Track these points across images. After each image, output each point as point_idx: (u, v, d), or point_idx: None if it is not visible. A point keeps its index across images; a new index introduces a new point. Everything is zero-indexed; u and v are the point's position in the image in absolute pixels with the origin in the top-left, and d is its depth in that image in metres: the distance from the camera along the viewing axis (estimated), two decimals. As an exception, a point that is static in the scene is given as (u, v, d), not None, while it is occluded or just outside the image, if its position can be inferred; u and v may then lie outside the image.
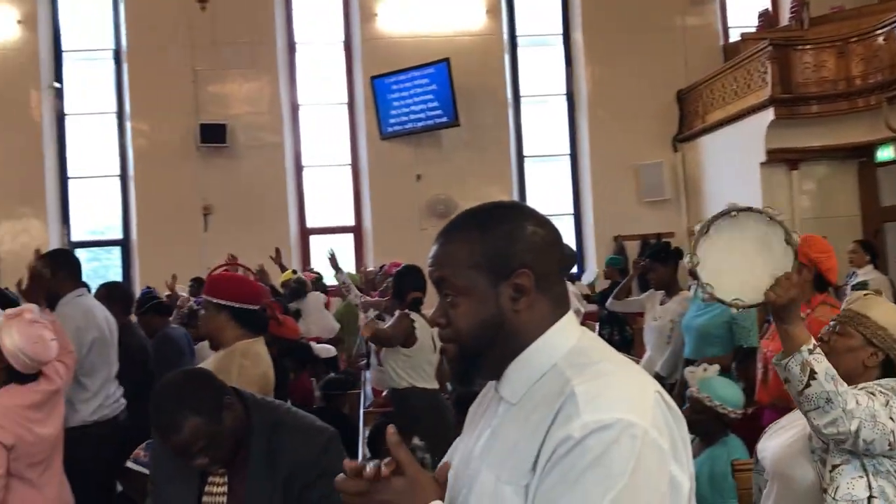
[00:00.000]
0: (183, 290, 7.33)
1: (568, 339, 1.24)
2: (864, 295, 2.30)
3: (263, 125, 10.75)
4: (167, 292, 7.10)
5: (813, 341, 2.05)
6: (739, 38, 10.73)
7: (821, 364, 2.01)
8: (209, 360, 3.04)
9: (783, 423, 2.40)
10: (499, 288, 1.22)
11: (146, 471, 2.82)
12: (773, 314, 2.08)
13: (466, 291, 1.24)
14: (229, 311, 2.94)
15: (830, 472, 2.07)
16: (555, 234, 1.29)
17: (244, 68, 10.66)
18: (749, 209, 2.02)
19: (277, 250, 8.25)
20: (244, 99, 10.73)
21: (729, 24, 11.54)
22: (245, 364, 2.85)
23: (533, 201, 11.27)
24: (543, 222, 1.28)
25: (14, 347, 2.76)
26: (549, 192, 11.49)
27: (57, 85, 10.75)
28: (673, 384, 4.60)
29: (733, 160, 9.47)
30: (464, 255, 1.24)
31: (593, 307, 8.76)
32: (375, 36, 10.88)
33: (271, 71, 10.82)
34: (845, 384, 2.02)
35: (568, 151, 11.54)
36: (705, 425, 3.23)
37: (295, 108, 11.21)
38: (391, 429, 1.18)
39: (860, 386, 2.10)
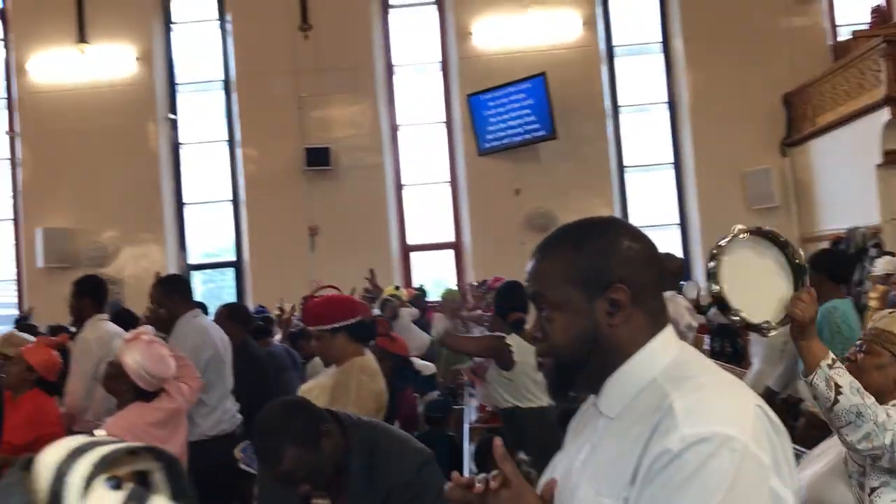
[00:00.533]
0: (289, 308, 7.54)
1: (667, 353, 1.24)
2: (890, 313, 2.28)
3: (365, 147, 11.01)
4: (277, 311, 7.34)
5: (831, 355, 2.04)
6: (851, 37, 10.25)
7: (843, 377, 2.00)
8: (327, 375, 3.11)
9: (817, 452, 2.34)
10: (594, 303, 1.23)
11: (253, 470, 2.92)
12: (794, 331, 2.06)
13: (562, 306, 1.25)
14: (343, 331, 3.01)
15: (869, 495, 2.02)
16: (650, 248, 1.28)
17: (346, 93, 10.97)
18: (757, 231, 2.02)
19: (372, 271, 8.42)
20: (346, 122, 11.04)
21: (837, 23, 11.06)
22: (363, 379, 2.92)
23: (635, 212, 11.10)
24: (639, 237, 1.29)
25: (136, 366, 2.93)
26: (652, 202, 11.28)
27: (172, 116, 11.38)
28: (785, 399, 4.42)
29: (847, 163, 9.04)
30: (559, 270, 1.26)
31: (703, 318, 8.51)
32: (471, 54, 10.99)
33: (371, 94, 11.09)
34: (872, 397, 2.01)
35: (671, 160, 11.29)
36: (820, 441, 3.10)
37: (394, 129, 11.45)
38: (497, 441, 1.21)
39: (891, 403, 2.07)
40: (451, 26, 11.20)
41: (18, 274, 11.41)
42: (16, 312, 10.50)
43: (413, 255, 11.43)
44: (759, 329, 2.01)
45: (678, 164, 11.24)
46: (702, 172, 10.80)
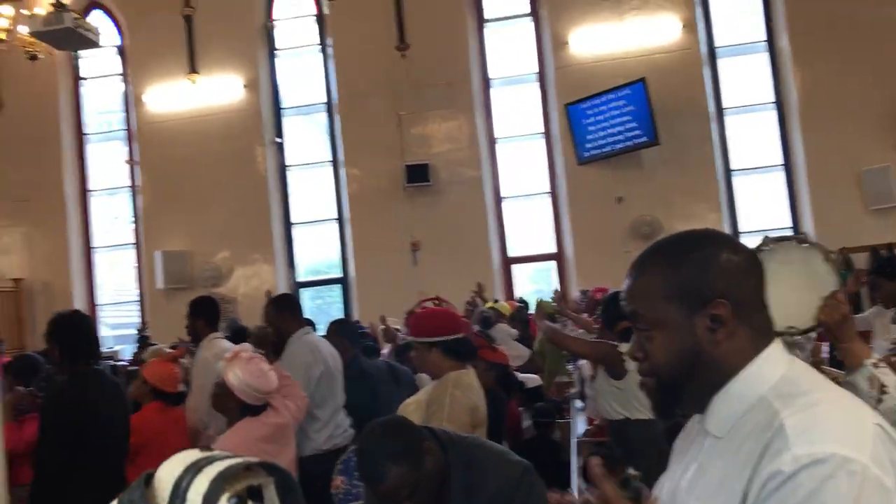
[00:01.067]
0: (396, 324, 7.65)
1: (775, 369, 1.18)
2: None
3: (463, 161, 11.09)
4: (382, 326, 7.46)
5: (876, 355, 1.99)
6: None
7: (889, 377, 1.95)
8: (424, 390, 3.15)
9: None
10: (694, 319, 1.19)
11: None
12: (829, 335, 2.03)
13: (661, 324, 1.22)
14: (438, 346, 3.03)
15: None
16: (752, 259, 1.24)
17: (443, 108, 11.09)
18: (781, 239, 2.02)
19: (480, 285, 8.46)
20: (444, 138, 11.15)
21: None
22: (456, 394, 2.92)
23: (744, 217, 10.73)
24: (739, 248, 1.24)
25: (240, 383, 3.03)
26: (762, 206, 10.86)
27: (278, 140, 11.79)
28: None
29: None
30: (656, 287, 1.23)
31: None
32: (568, 63, 10.92)
33: (468, 109, 11.17)
34: None
35: (781, 162, 10.85)
36: None
37: (492, 142, 11.48)
38: (594, 461, 1.19)
39: None
40: (546, 37, 11.17)
41: (140, 295, 12.05)
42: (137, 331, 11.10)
43: (514, 268, 11.41)
44: (782, 335, 1.97)
45: (788, 166, 10.78)
46: (814, 173, 10.32)
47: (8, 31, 8.60)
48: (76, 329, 3.49)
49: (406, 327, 5.01)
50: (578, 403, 6.15)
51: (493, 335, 7.08)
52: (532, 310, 8.77)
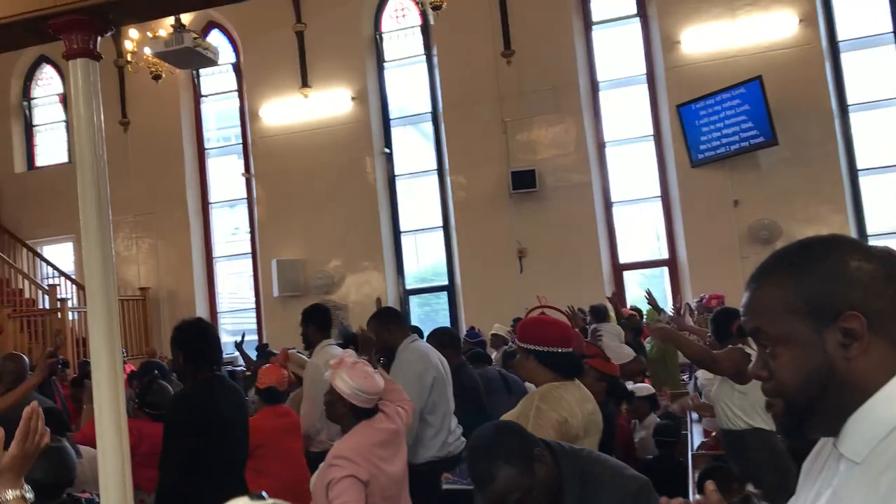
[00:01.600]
0: (501, 330, 7.63)
1: None
2: None
3: (570, 166, 10.96)
4: (493, 332, 7.46)
5: None
6: None
7: None
8: (519, 403, 3.10)
9: None
10: (824, 334, 1.10)
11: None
12: None
13: (785, 340, 1.13)
14: (534, 355, 2.98)
15: None
16: (886, 266, 1.11)
17: (549, 113, 11.00)
18: None
19: (615, 293, 8.35)
20: (550, 143, 11.06)
21: None
22: (542, 408, 2.85)
23: (872, 219, 10.13)
24: (871, 255, 1.12)
25: (348, 387, 3.07)
26: (891, 207, 10.21)
27: (387, 150, 12.00)
28: None
29: None
30: (778, 300, 1.13)
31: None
32: (679, 63, 10.62)
33: (575, 113, 11.03)
34: None
35: (912, 160, 10.18)
36: None
37: (601, 146, 11.29)
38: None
39: None
40: (656, 37, 10.90)
41: (257, 302, 12.50)
42: (256, 338, 11.52)
43: (626, 274, 11.17)
44: None
45: (922, 164, 10.11)
46: (952, 171, 9.64)
47: (134, 52, 9.13)
48: (200, 336, 3.64)
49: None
50: (695, 415, 5.95)
51: (602, 333, 6.96)
52: (646, 319, 8.59)
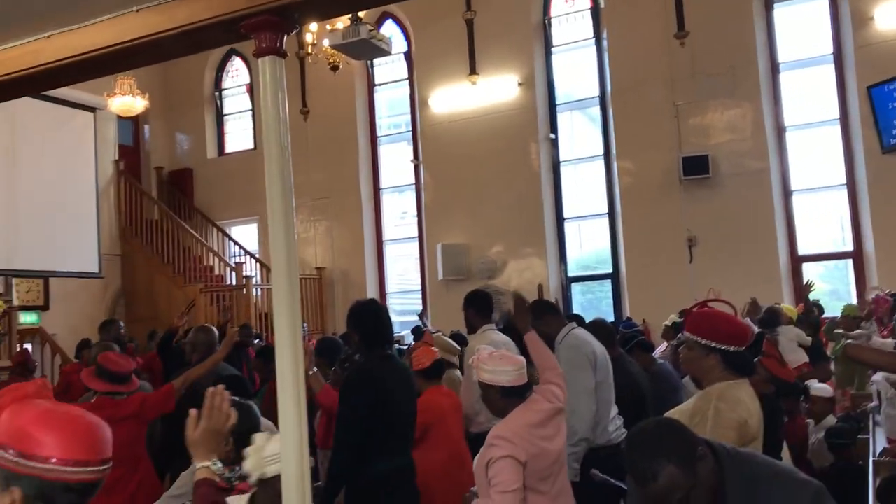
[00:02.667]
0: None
1: None
2: None
3: (747, 152, 10.45)
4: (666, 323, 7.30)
5: None
6: None
7: None
8: (689, 400, 3.03)
9: None
10: None
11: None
12: None
13: None
14: (716, 353, 2.88)
15: None
16: None
17: (724, 97, 10.53)
18: None
19: (807, 283, 7.95)
20: (725, 127, 10.58)
21: None
22: (721, 407, 2.76)
23: None
24: None
25: (492, 374, 3.15)
26: None
27: (552, 136, 11.95)
28: None
29: None
30: None
31: None
32: (871, 42, 9.82)
33: (753, 96, 10.49)
34: None
35: None
36: None
37: (780, 130, 10.67)
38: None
39: None
40: (846, 14, 10.13)
41: (423, 285, 12.88)
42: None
43: (805, 266, 10.52)
44: None
45: None
46: None
47: (313, 45, 9.63)
48: (374, 316, 3.83)
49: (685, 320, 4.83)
50: (878, 418, 5.56)
51: (777, 338, 6.60)
52: (827, 313, 8.10)
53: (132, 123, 13.90)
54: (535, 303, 4.53)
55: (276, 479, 2.44)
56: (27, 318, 11.05)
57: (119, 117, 12.39)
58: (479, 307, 5.01)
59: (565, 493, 3.27)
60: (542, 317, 4.32)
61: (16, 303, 10.50)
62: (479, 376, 3.22)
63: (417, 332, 8.23)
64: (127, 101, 10.84)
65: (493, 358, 3.19)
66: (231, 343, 5.17)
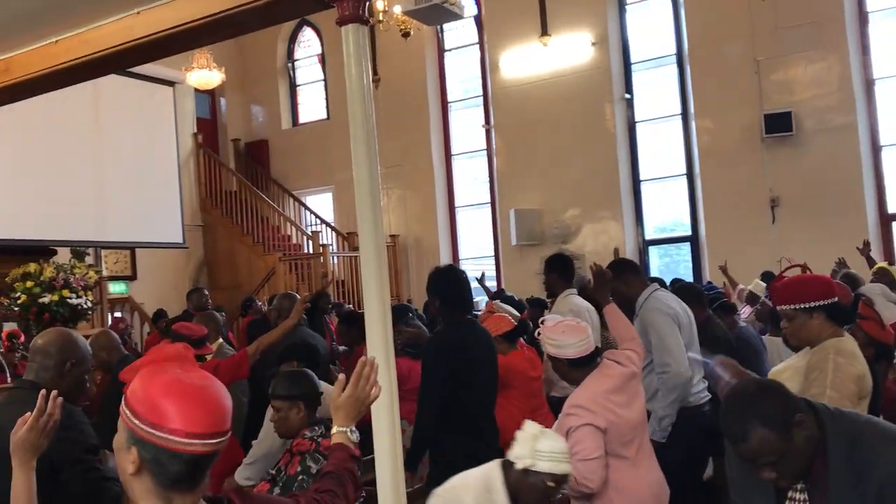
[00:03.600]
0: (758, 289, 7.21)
1: None
2: None
3: (832, 107, 10.02)
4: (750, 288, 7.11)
5: None
6: None
7: None
8: (798, 357, 2.96)
9: None
10: None
11: None
12: None
13: None
14: (821, 310, 2.84)
15: None
16: None
17: (808, 50, 10.09)
18: None
19: (866, 242, 7.62)
20: (809, 82, 10.16)
21: None
22: (840, 361, 2.73)
23: None
24: None
25: (558, 346, 3.16)
26: None
27: (627, 96, 11.69)
28: None
29: None
30: None
31: None
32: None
33: (840, 48, 10.01)
34: None
35: None
36: None
37: (869, 83, 10.18)
38: None
39: None
40: (941, -45, 9.56)
41: (496, 251, 12.87)
42: (495, 285, 11.90)
43: (895, 225, 10.08)
44: None
45: None
46: None
47: (384, 12, 9.60)
48: (454, 282, 3.86)
49: (771, 293, 4.69)
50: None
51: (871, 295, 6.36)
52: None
53: (209, 97, 14.19)
54: (617, 262, 4.47)
55: (542, 475, 2.64)
56: (116, 288, 11.52)
57: (196, 91, 12.66)
58: (560, 271, 4.99)
59: (648, 456, 3.26)
60: (622, 276, 4.26)
61: (105, 273, 10.94)
62: (546, 349, 3.25)
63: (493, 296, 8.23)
64: (204, 74, 11.06)
65: (557, 330, 3.20)
66: (301, 310, 5.26)
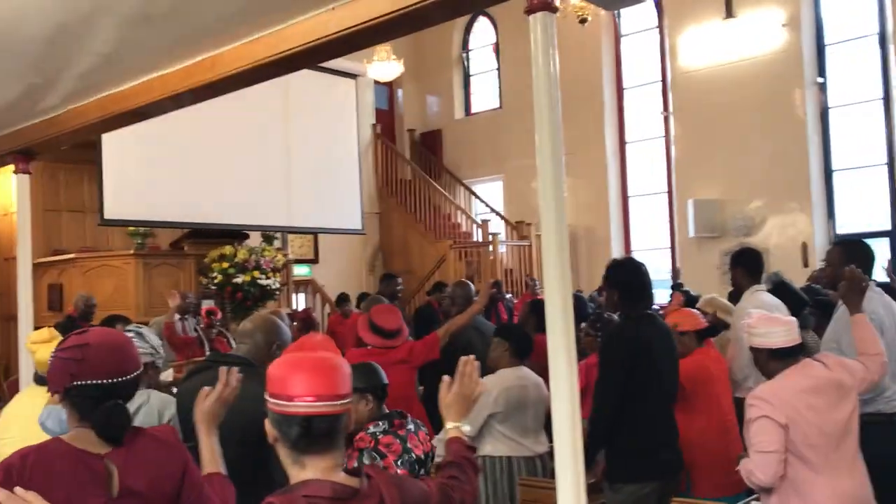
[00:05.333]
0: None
1: None
2: None
3: None
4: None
5: None
6: None
7: None
8: None
9: None
10: None
11: None
12: None
13: None
14: None
15: None
16: None
17: None
18: None
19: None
20: None
21: None
22: None
23: None
24: None
25: (761, 337, 3.10)
26: None
27: (820, 80, 10.88)
28: None
29: None
30: None
31: None
32: None
33: None
34: None
35: None
36: None
37: None
38: None
39: None
40: None
41: (672, 242, 12.42)
42: (669, 278, 11.49)
43: None
44: None
45: None
46: None
47: (562, -1, 9.51)
48: (634, 274, 3.75)
49: None
50: None
51: None
52: None
53: (387, 88, 14.66)
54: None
55: None
56: (299, 271, 12.19)
57: (375, 83, 13.10)
58: (749, 266, 4.73)
59: (847, 467, 3.01)
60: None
61: (291, 256, 11.60)
62: (751, 341, 3.19)
63: (678, 288, 7.97)
64: (384, 66, 11.43)
65: (762, 320, 3.17)
66: (487, 295, 5.31)
